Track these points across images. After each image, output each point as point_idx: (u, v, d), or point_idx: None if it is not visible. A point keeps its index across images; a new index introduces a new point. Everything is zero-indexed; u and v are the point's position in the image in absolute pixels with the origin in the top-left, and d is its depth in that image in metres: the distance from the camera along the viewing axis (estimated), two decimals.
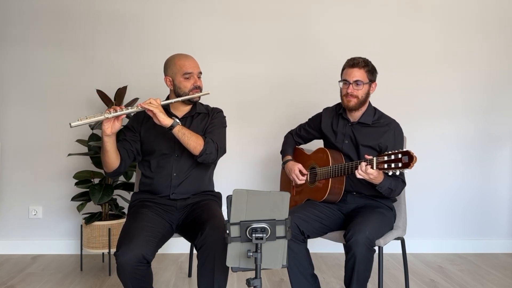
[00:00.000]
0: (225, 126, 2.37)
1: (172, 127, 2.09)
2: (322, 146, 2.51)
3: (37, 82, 3.31)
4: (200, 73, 2.29)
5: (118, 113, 2.05)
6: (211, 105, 2.45)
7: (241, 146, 3.34)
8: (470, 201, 3.47)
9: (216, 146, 2.20)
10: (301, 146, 2.67)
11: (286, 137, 2.68)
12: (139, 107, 2.09)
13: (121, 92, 2.98)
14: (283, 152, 2.62)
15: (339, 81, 2.35)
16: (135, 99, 3.04)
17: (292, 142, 2.63)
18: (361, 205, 2.33)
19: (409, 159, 1.95)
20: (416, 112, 3.42)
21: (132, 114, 2.23)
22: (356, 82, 2.27)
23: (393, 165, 1.99)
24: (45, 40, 3.30)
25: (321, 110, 2.55)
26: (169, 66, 2.28)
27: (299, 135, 2.63)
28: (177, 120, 2.12)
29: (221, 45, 3.35)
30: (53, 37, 3.30)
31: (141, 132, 2.32)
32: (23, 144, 3.32)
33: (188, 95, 2.24)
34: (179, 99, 2.23)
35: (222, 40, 3.35)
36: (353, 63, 2.30)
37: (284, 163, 2.56)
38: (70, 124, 1.98)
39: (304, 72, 3.38)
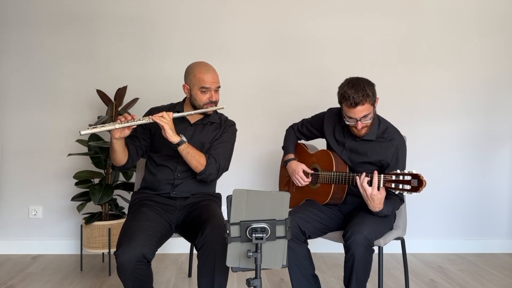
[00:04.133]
0: (233, 142, 2.37)
1: (178, 144, 2.12)
2: (325, 146, 2.48)
3: (37, 82, 3.31)
4: (219, 87, 2.29)
5: (129, 124, 2.09)
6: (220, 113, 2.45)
7: (241, 146, 3.32)
8: (470, 201, 3.47)
9: (218, 166, 2.22)
10: (303, 142, 2.62)
11: (287, 131, 2.61)
12: (151, 119, 2.11)
13: (121, 92, 2.98)
14: (285, 149, 2.56)
15: (343, 117, 2.19)
16: (135, 99, 3.04)
17: (294, 138, 2.57)
18: (361, 206, 2.31)
19: (418, 183, 1.92)
20: (416, 112, 3.42)
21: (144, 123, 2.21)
22: (364, 117, 2.13)
23: (400, 186, 1.97)
24: (46, 40, 3.30)
25: (319, 111, 2.50)
26: (188, 74, 2.29)
27: (301, 132, 2.56)
28: (184, 139, 2.14)
29: (221, 46, 3.35)
30: (54, 37, 3.30)
31: (151, 130, 2.34)
32: (23, 144, 3.32)
33: (202, 108, 2.25)
34: (192, 112, 2.24)
35: (222, 41, 3.35)
36: (354, 103, 2.08)
37: (286, 161, 2.50)
38: (80, 132, 2.03)
39: (300, 72, 3.38)
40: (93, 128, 2.03)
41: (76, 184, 2.97)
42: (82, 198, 2.95)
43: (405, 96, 3.41)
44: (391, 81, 3.39)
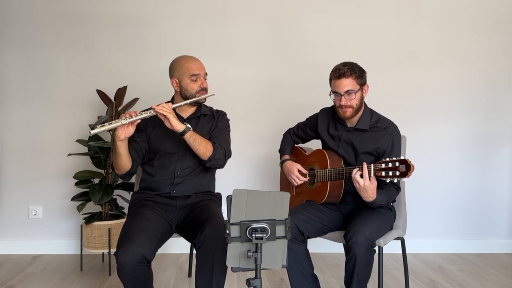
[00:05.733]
0: (229, 130, 2.39)
1: (184, 132, 2.12)
2: (321, 146, 2.51)
3: (37, 82, 3.31)
4: (206, 74, 2.33)
5: (134, 118, 2.10)
6: (211, 105, 2.47)
7: (240, 146, 3.34)
8: (470, 201, 3.47)
9: (224, 151, 2.24)
10: (300, 145, 2.66)
11: (284, 135, 2.66)
12: (153, 111, 2.12)
13: (121, 92, 2.98)
14: (281, 151, 2.61)
15: (329, 94, 2.29)
16: (135, 99, 3.05)
17: (290, 141, 2.62)
18: (361, 206, 2.32)
19: (406, 168, 1.95)
20: (416, 112, 3.42)
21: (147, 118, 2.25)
22: (348, 92, 2.21)
23: (390, 173, 1.99)
24: (45, 40, 3.30)
25: (318, 110, 2.52)
26: (175, 68, 2.30)
27: (297, 135, 2.62)
28: (189, 126, 2.15)
29: (221, 45, 3.35)
30: (53, 37, 3.30)
31: (147, 132, 2.35)
32: (23, 144, 3.32)
33: (195, 96, 2.27)
34: (188, 101, 2.24)
35: (222, 40, 3.35)
36: (338, 73, 2.21)
37: (282, 162, 2.54)
38: (89, 131, 2.05)
39: (300, 72, 3.38)
40: (101, 127, 2.04)
41: (76, 184, 2.97)
42: (82, 198, 2.96)
43: (405, 96, 3.41)
44: (391, 81, 3.39)
